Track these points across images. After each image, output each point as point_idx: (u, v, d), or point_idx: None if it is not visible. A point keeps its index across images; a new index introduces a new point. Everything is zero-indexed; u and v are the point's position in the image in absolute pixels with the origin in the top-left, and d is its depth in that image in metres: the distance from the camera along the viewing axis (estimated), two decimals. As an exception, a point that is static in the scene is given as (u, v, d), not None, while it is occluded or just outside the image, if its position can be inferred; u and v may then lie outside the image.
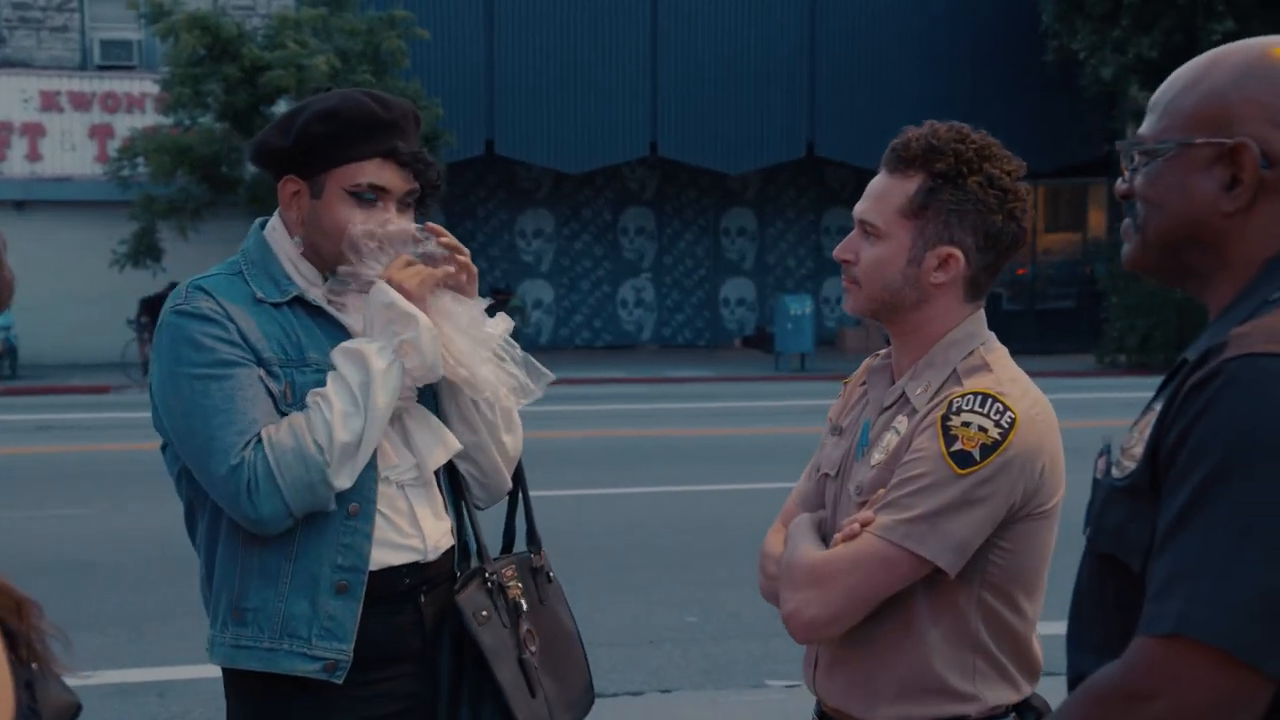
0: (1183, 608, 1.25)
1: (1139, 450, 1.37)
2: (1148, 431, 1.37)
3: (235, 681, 2.23)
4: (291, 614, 2.14)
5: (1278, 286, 1.38)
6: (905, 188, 1.98)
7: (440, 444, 2.27)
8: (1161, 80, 1.55)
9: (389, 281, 2.16)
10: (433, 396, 2.32)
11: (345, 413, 2.11)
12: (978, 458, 1.87)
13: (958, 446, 1.88)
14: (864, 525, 1.91)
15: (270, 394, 2.14)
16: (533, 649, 2.30)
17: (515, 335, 2.31)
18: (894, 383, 2.06)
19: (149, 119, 21.12)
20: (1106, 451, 1.47)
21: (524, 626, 2.31)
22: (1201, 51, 1.60)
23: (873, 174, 2.09)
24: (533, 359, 2.31)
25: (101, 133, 21.80)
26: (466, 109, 22.33)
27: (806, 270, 26.35)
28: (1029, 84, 23.38)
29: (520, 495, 2.49)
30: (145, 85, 21.61)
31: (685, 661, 5.66)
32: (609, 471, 10.68)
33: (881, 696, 1.96)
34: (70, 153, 21.80)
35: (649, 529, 8.34)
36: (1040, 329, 23.63)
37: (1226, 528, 1.25)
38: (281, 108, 19.58)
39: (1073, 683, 1.45)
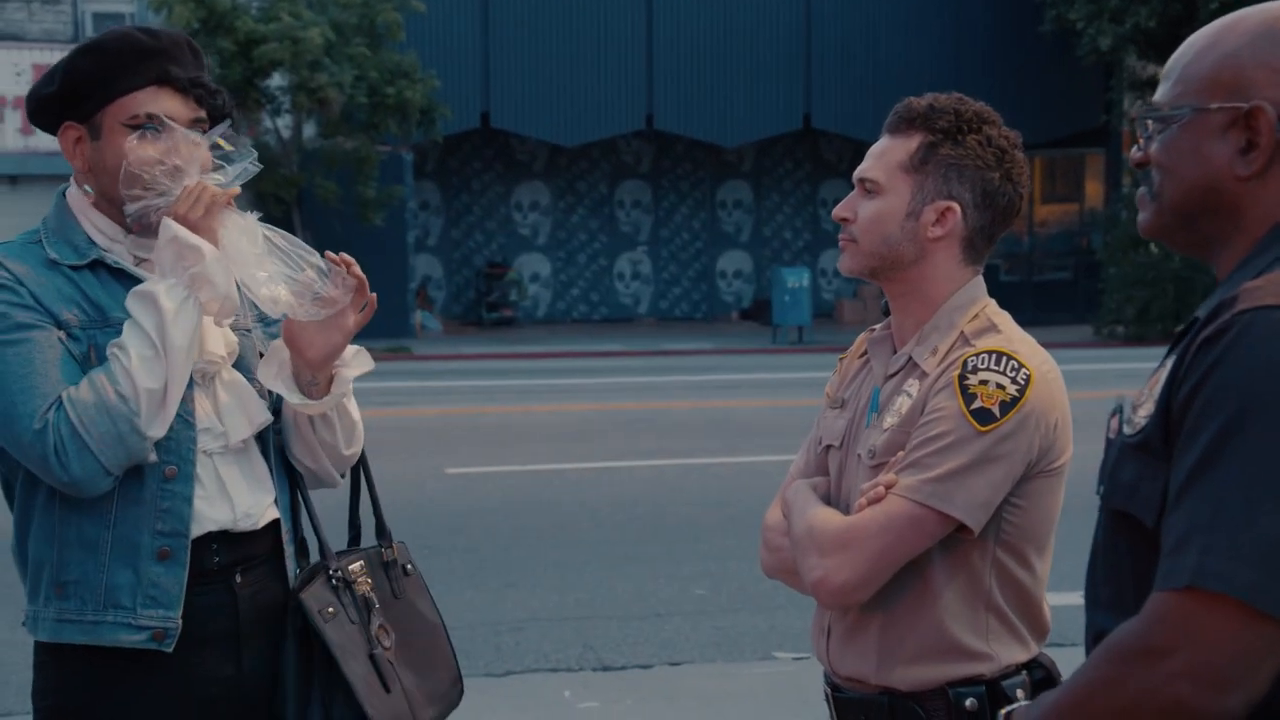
0: (1198, 560, 1.26)
1: (1151, 406, 1.37)
2: (1159, 387, 1.37)
3: (51, 656, 2.16)
4: (114, 584, 2.09)
5: None
6: (907, 145, 2.03)
7: (244, 416, 2.21)
8: (1160, 49, 1.55)
9: (174, 216, 2.09)
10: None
11: (144, 358, 2.05)
12: (998, 414, 1.89)
13: (977, 404, 1.90)
14: (888, 487, 1.92)
15: (73, 357, 2.08)
16: (386, 644, 2.25)
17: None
18: (896, 351, 2.08)
19: (143, 93, 21.01)
20: (1119, 410, 1.47)
21: (376, 622, 2.25)
22: (1200, 21, 1.60)
23: (869, 145, 2.12)
24: (336, 265, 2.19)
25: (95, 107, 21.70)
26: (462, 82, 22.24)
27: (803, 242, 26.32)
28: (1026, 54, 23.30)
29: (364, 485, 2.43)
30: (139, 59, 21.49)
31: (694, 634, 5.67)
32: (610, 445, 10.69)
33: (898, 660, 1.97)
34: (64, 127, 21.70)
35: (653, 502, 8.34)
36: (1037, 300, 23.62)
37: (1241, 480, 1.25)
38: (276, 81, 19.52)
39: (1092, 641, 1.45)
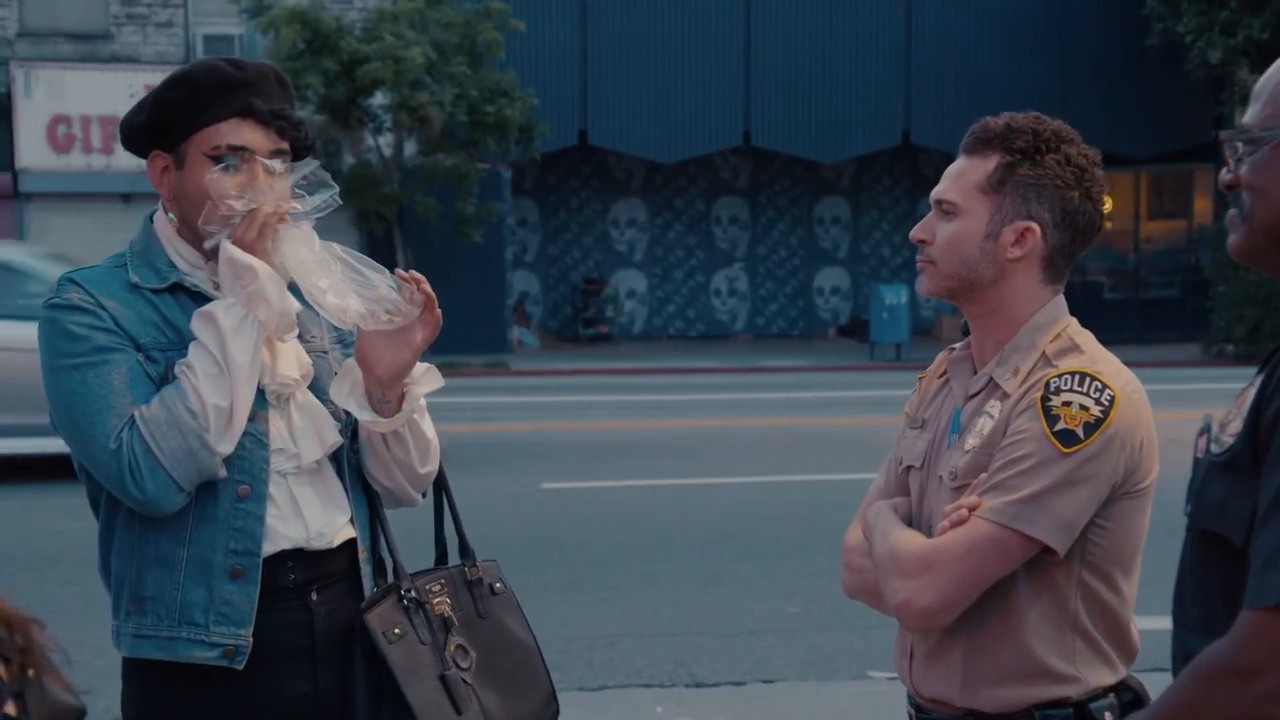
0: None
1: (1238, 425, 1.36)
2: (1247, 406, 1.36)
3: (134, 669, 2.22)
4: (188, 601, 2.14)
5: None
6: (984, 166, 2.02)
7: (316, 438, 2.24)
8: (1273, 62, 1.53)
9: (231, 239, 2.14)
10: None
11: (210, 375, 2.10)
12: (1082, 436, 1.87)
13: (1061, 426, 1.88)
14: (971, 510, 1.90)
15: (150, 378, 2.14)
16: (463, 664, 2.24)
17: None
18: (976, 371, 2.07)
19: (251, 112, 21.50)
20: (1206, 430, 1.46)
21: (454, 642, 2.25)
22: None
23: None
24: (407, 283, 2.20)
25: (205, 126, 22.24)
26: (561, 100, 22.43)
27: (901, 259, 26.07)
28: (1132, 68, 22.86)
29: (446, 504, 2.44)
30: (247, 79, 22.00)
31: (787, 652, 5.65)
32: (706, 461, 10.69)
33: (983, 682, 1.95)
34: (175, 146, 22.27)
35: (747, 519, 8.33)
36: (1143, 318, 23.11)
37: None
38: (379, 100, 19.86)
39: (1180, 663, 1.43)
